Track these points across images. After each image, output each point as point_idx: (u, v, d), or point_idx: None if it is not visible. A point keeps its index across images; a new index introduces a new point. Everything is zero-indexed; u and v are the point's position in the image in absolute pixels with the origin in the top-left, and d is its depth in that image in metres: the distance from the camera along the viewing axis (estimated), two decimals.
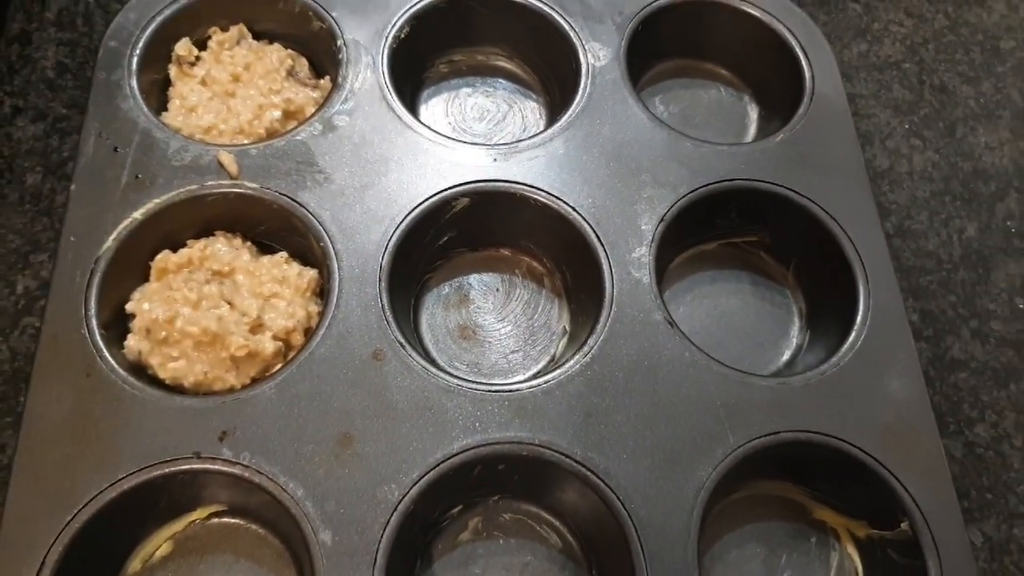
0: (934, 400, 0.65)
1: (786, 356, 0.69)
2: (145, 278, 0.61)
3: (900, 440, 0.60)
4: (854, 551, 0.62)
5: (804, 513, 0.63)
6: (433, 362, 0.61)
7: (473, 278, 0.69)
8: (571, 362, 0.60)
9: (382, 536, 0.53)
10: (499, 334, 0.67)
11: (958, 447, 0.70)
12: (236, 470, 0.54)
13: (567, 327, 0.68)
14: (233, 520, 0.57)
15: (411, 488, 0.54)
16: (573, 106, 0.70)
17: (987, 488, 0.68)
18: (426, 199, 0.64)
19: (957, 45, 0.90)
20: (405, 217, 0.63)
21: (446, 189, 0.65)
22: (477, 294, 0.69)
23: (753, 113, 0.80)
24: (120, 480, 0.53)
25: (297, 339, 0.60)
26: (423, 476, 0.55)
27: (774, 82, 0.78)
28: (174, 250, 0.62)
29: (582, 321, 0.66)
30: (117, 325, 0.60)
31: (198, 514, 0.57)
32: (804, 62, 0.75)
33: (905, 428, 0.61)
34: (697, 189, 0.68)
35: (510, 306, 0.68)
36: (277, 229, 0.64)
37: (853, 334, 0.64)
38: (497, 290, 0.69)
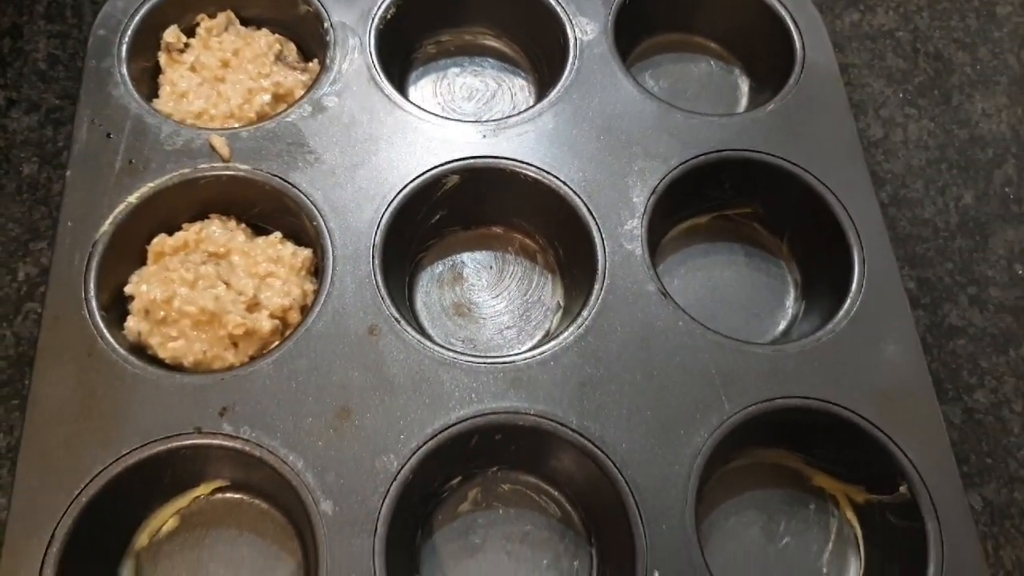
0: (932, 367, 0.65)
1: (782, 326, 0.69)
2: (142, 262, 0.62)
3: (897, 404, 0.61)
4: (853, 516, 0.62)
5: (802, 480, 0.63)
6: (429, 338, 0.61)
7: (466, 256, 0.70)
8: (565, 334, 0.61)
9: (382, 505, 0.53)
10: (494, 311, 0.68)
11: (957, 413, 0.70)
12: (237, 444, 0.54)
13: (561, 302, 0.68)
14: (236, 495, 0.58)
15: (410, 458, 0.55)
16: (562, 81, 0.70)
17: (987, 453, 0.68)
18: (416, 177, 0.65)
19: (952, 12, 0.89)
20: (396, 195, 0.64)
21: (436, 167, 0.65)
22: (471, 272, 0.69)
23: (744, 86, 0.80)
24: (124, 456, 0.53)
25: (294, 317, 0.61)
26: (421, 446, 0.55)
27: (764, 54, 0.78)
28: (170, 234, 0.63)
29: (576, 295, 0.66)
30: (116, 308, 0.60)
31: (202, 490, 0.57)
32: (794, 32, 0.75)
33: (902, 392, 0.61)
34: (688, 160, 0.68)
35: (504, 283, 0.69)
36: (270, 210, 0.64)
37: (848, 301, 0.64)
38: (490, 267, 0.70)
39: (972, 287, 0.75)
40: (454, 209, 0.68)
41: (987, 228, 0.78)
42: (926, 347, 0.66)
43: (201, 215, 0.64)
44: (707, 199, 0.71)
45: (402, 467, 0.55)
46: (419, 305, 0.67)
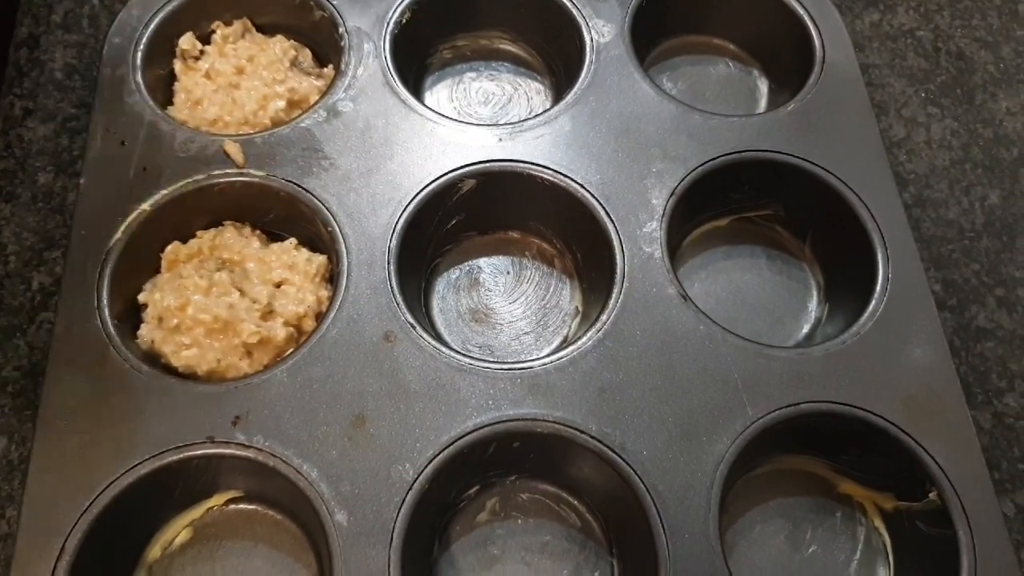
0: (960, 371, 0.64)
1: (805, 330, 0.68)
2: (156, 271, 0.62)
3: (924, 408, 0.59)
4: (881, 524, 0.61)
5: (829, 487, 0.62)
6: (446, 345, 0.60)
7: (483, 261, 0.69)
8: (584, 339, 0.60)
9: (397, 515, 0.53)
10: (511, 316, 0.67)
11: (987, 418, 0.68)
12: (250, 453, 0.54)
13: (579, 307, 0.67)
14: (250, 506, 0.57)
15: (426, 467, 0.54)
16: (578, 83, 0.69)
17: (1019, 459, 0.66)
18: (432, 181, 0.64)
19: (973, 10, 0.88)
20: (412, 200, 0.63)
21: (452, 171, 0.64)
22: (487, 277, 0.68)
23: (763, 87, 0.79)
24: (136, 466, 0.53)
25: (309, 325, 0.60)
26: (437, 455, 0.55)
27: (783, 54, 0.77)
28: (184, 242, 0.62)
29: (594, 300, 0.65)
30: (130, 318, 0.60)
31: (215, 501, 0.57)
32: (813, 32, 0.74)
33: (929, 396, 0.60)
34: (707, 162, 0.67)
35: (521, 288, 0.68)
36: (285, 216, 0.64)
37: (873, 303, 0.63)
38: (507, 272, 0.69)
39: (1000, 288, 0.73)
40: (470, 214, 0.67)
41: (1014, 228, 0.76)
42: (953, 350, 0.65)
43: (215, 222, 0.64)
44: (727, 201, 0.70)
45: (418, 476, 0.54)
46: (435, 311, 0.66)
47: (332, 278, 0.62)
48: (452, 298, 0.67)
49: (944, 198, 0.77)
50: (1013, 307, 0.72)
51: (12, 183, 0.70)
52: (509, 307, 0.67)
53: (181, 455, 0.53)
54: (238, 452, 0.54)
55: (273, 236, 0.65)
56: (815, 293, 0.70)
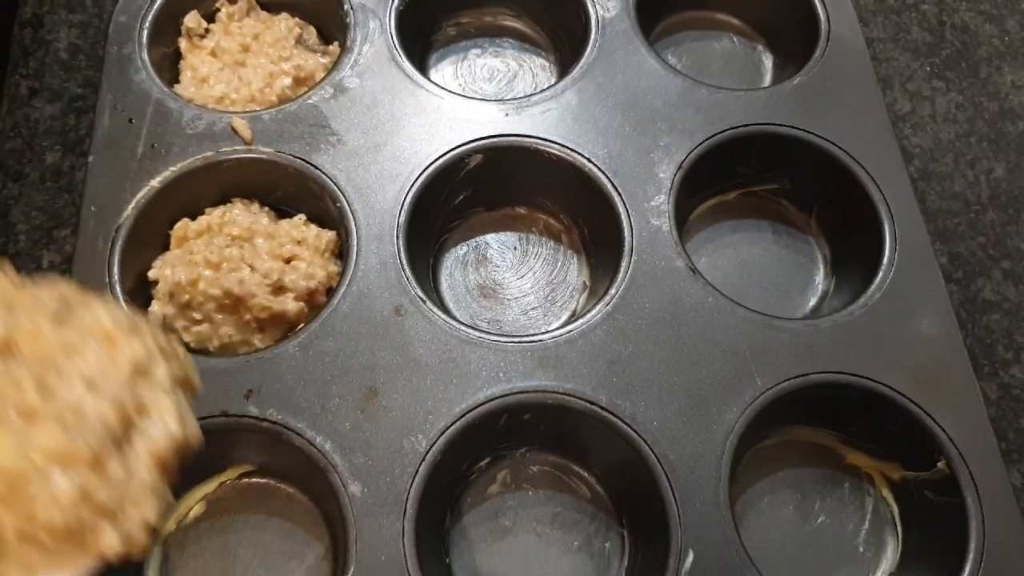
0: (967, 342, 0.64)
1: (812, 303, 0.68)
2: (165, 248, 0.62)
3: (932, 378, 0.59)
4: (889, 494, 0.61)
5: (837, 458, 0.62)
6: (455, 319, 0.60)
7: (490, 237, 0.69)
8: (593, 312, 0.60)
9: (411, 486, 0.53)
10: (519, 292, 0.67)
11: (993, 389, 0.68)
12: (263, 426, 0.54)
13: (587, 282, 0.67)
14: (263, 480, 0.58)
15: (438, 438, 0.54)
16: (584, 58, 0.69)
17: None
18: (439, 156, 0.64)
19: None
20: (419, 175, 0.63)
21: (459, 146, 0.64)
22: (495, 253, 0.68)
23: (768, 62, 0.79)
24: None
25: (320, 300, 0.60)
26: (450, 426, 0.55)
27: (788, 29, 0.77)
28: (192, 219, 0.62)
29: (602, 275, 0.65)
30: (141, 294, 0.60)
31: (228, 475, 0.57)
32: (819, 6, 0.74)
33: (937, 366, 0.60)
34: (714, 135, 0.67)
35: (528, 263, 0.68)
36: (293, 193, 0.64)
37: (880, 274, 0.63)
38: (515, 248, 0.69)
39: (1006, 261, 0.73)
40: (478, 189, 0.67)
41: (1020, 201, 0.76)
42: (960, 322, 0.65)
43: (223, 200, 0.64)
44: (734, 175, 0.70)
45: (431, 447, 0.54)
46: (444, 287, 0.67)
47: (341, 253, 0.63)
48: (460, 274, 0.67)
49: (950, 171, 0.77)
50: (1019, 279, 0.72)
51: (20, 163, 0.70)
52: (517, 282, 0.67)
53: None
54: (251, 425, 0.54)
55: (281, 213, 0.65)
56: (822, 266, 0.70)
